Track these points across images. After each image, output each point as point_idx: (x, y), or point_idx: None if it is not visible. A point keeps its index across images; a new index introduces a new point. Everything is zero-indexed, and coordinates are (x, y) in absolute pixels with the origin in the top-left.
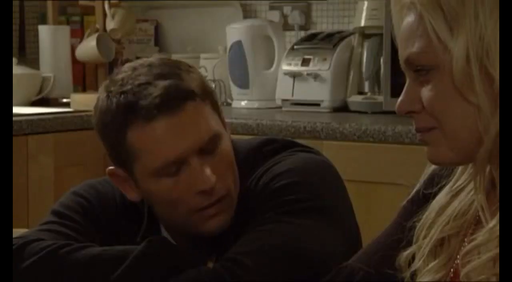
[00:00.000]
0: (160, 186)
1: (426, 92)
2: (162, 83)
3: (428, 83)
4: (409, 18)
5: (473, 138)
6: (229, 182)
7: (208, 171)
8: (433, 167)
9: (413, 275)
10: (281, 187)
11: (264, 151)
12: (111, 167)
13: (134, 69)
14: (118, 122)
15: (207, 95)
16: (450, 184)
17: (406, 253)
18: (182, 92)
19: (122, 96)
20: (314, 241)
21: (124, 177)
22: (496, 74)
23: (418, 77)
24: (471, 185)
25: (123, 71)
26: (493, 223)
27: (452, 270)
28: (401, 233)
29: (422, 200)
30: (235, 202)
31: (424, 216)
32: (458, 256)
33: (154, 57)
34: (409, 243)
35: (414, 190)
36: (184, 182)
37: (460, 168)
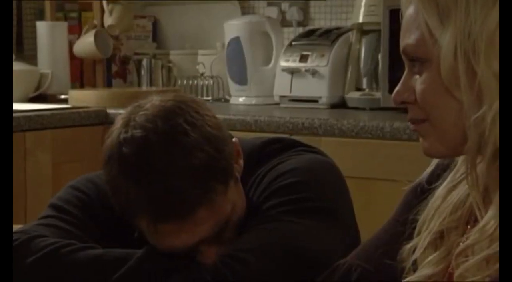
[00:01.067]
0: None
1: (418, 84)
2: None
3: (421, 75)
4: (410, 10)
5: (460, 134)
6: (231, 234)
7: (213, 254)
8: (437, 159)
9: (413, 264)
10: (284, 186)
11: (268, 150)
12: None
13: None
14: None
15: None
16: (451, 175)
17: (408, 246)
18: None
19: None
20: (314, 241)
21: None
22: (479, 71)
23: (413, 68)
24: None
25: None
26: (483, 222)
27: (451, 265)
28: (401, 227)
29: (423, 192)
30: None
31: (426, 208)
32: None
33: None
34: (411, 236)
35: (416, 183)
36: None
37: (460, 159)
